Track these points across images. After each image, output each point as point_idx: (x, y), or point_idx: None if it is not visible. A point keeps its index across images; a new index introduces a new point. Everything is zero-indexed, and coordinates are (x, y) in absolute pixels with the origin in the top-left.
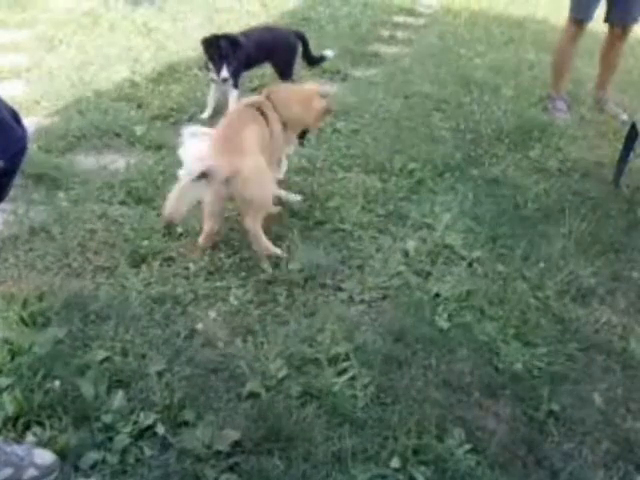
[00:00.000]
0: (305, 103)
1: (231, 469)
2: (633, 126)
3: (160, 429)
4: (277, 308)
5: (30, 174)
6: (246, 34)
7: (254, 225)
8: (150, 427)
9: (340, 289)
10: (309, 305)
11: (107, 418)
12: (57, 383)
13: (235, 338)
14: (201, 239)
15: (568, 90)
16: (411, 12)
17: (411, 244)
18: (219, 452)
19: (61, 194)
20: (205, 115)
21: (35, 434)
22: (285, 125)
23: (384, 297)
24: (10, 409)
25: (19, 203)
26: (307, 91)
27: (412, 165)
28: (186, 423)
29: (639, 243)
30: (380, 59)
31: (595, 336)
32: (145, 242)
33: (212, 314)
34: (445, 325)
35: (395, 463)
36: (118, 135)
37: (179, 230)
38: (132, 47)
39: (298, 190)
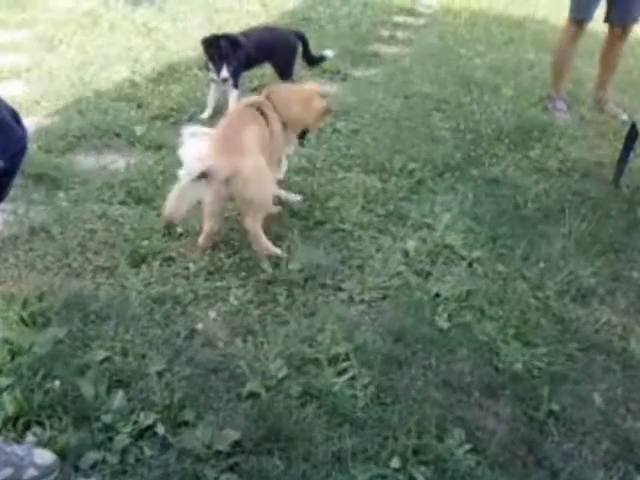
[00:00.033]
0: (305, 103)
1: (231, 469)
2: (633, 126)
3: (160, 429)
4: (277, 308)
5: (30, 174)
6: (246, 34)
7: (254, 225)
8: (150, 427)
9: (340, 289)
10: (309, 305)
11: (107, 418)
12: (57, 383)
13: (235, 338)
14: (201, 239)
15: (568, 90)
16: (411, 12)
17: (411, 244)
18: (219, 452)
19: (61, 194)
20: (205, 115)
21: (35, 434)
22: (285, 125)
23: (384, 297)
24: (10, 409)
25: (19, 203)
26: (307, 91)
27: (412, 165)
28: (186, 423)
29: (639, 243)
30: (380, 59)
31: (595, 336)
32: (145, 242)
33: (212, 314)
34: (445, 325)
35: (395, 463)
36: (118, 135)
37: (179, 230)
38: (132, 47)
39: (298, 190)
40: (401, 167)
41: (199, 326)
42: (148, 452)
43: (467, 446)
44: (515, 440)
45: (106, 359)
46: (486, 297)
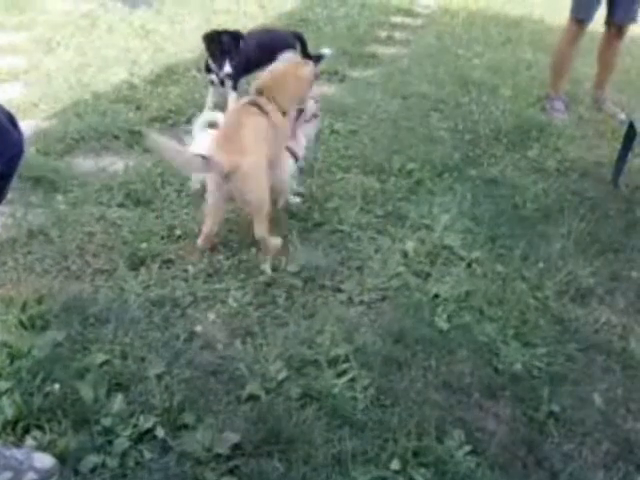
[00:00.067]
0: (293, 76)
1: (231, 472)
2: (631, 125)
3: (160, 432)
4: (276, 310)
5: (28, 177)
6: (245, 37)
7: (263, 232)
8: (150, 430)
9: (339, 290)
10: (308, 307)
11: (107, 421)
12: (56, 386)
13: (234, 340)
14: (200, 241)
15: (566, 90)
16: (409, 13)
17: (410, 245)
18: (219, 455)
19: (59, 197)
20: None
21: (34, 438)
22: (284, 113)
23: (383, 298)
24: (9, 413)
25: (17, 206)
26: (288, 66)
27: (410, 165)
28: (186, 426)
29: (638, 243)
30: (378, 60)
31: (595, 336)
32: (144, 244)
33: (211, 316)
34: (444, 326)
35: (395, 465)
36: (116, 137)
37: (178, 232)
38: (130, 49)
39: (296, 192)
40: (399, 168)
41: (198, 328)
42: (148, 455)
43: (467, 447)
44: (515, 441)
45: (105, 362)
46: (485, 298)
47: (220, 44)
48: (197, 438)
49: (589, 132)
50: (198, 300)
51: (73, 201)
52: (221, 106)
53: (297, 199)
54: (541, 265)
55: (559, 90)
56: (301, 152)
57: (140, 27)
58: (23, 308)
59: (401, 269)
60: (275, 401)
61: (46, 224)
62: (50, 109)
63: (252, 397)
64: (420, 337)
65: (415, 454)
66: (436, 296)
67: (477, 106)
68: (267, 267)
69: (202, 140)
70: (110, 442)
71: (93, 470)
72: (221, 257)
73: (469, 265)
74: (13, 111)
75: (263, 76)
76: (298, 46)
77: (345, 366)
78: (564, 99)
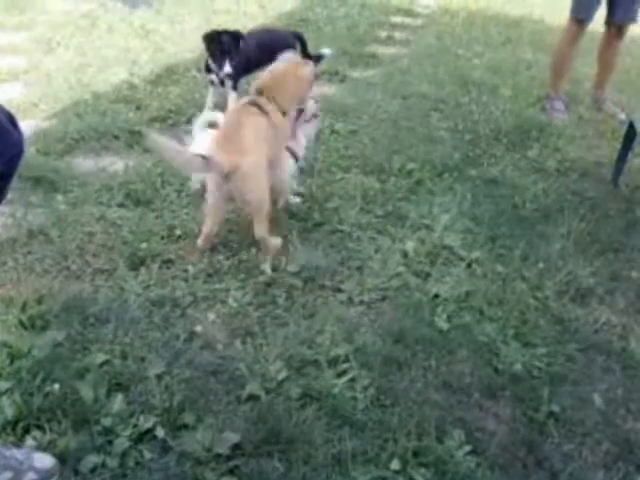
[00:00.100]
0: (293, 76)
1: (231, 472)
2: (631, 125)
3: (160, 432)
4: (276, 310)
5: (28, 177)
6: (245, 37)
7: (263, 233)
8: (150, 430)
9: (339, 290)
10: (308, 307)
11: (107, 421)
12: (56, 386)
13: (234, 340)
14: (200, 241)
15: (566, 90)
16: (409, 13)
17: (410, 245)
18: (219, 455)
19: (59, 197)
20: None
21: (34, 438)
22: (284, 113)
23: (383, 298)
24: (9, 413)
25: (17, 206)
26: (288, 66)
27: (410, 165)
28: (186, 426)
29: (638, 242)
30: (378, 60)
31: (594, 336)
32: (144, 244)
33: (211, 316)
34: (444, 326)
35: (395, 465)
36: (116, 137)
37: (178, 232)
38: (130, 49)
39: (297, 192)
40: (399, 168)
41: (198, 328)
42: (148, 455)
43: (467, 447)
44: (515, 441)
45: (105, 362)
46: (485, 298)
47: (220, 44)
48: (197, 438)
49: (589, 132)
50: (198, 300)
51: (73, 201)
52: (221, 106)
53: (297, 199)
54: (541, 265)
55: (559, 90)
56: (301, 152)
57: (140, 27)
58: (23, 308)
59: (401, 269)
60: (275, 401)
61: (46, 224)
62: (50, 109)
63: (252, 397)
64: (420, 337)
65: (415, 454)
66: (436, 296)
67: (477, 106)
68: (267, 267)
69: (202, 140)
70: (110, 442)
71: (93, 470)
72: (221, 257)
73: (469, 265)
74: (13, 111)
75: (263, 76)
76: (298, 46)
77: (345, 366)
78: (564, 99)
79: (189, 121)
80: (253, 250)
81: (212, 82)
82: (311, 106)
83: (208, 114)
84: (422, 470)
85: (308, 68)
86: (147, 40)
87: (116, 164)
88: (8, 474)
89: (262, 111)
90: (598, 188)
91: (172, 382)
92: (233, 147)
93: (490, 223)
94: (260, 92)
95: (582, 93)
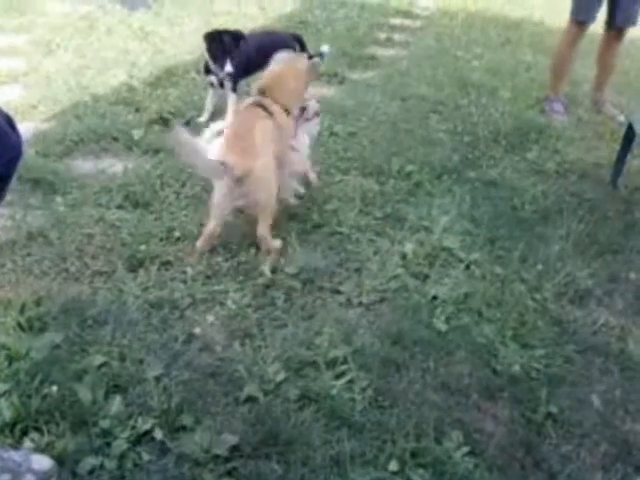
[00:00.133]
0: (293, 73)
1: (229, 473)
2: (630, 127)
3: (158, 434)
4: (275, 311)
5: (27, 179)
6: (245, 39)
7: (266, 231)
8: (148, 432)
9: (338, 292)
10: (307, 308)
11: (105, 423)
12: (54, 388)
13: (233, 342)
14: (199, 242)
15: (565, 92)
16: (408, 14)
17: (409, 247)
18: (217, 456)
19: (58, 199)
20: (203, 119)
21: (33, 440)
22: (288, 112)
23: (382, 300)
24: (7, 415)
25: (16, 208)
26: (285, 64)
27: (409, 168)
28: (184, 428)
29: (637, 244)
30: (377, 62)
31: (593, 338)
32: (142, 246)
33: (210, 318)
34: (443, 327)
35: (393, 466)
36: (116, 139)
37: (176, 234)
38: (129, 51)
39: (295, 193)
40: (398, 170)
41: (197, 330)
42: (146, 457)
43: (465, 449)
44: (513, 442)
45: (104, 364)
46: (484, 299)
47: (221, 44)
48: (195, 440)
49: (588, 134)
50: (197, 302)
51: (72, 203)
52: (221, 108)
53: (296, 201)
54: (540, 267)
55: (558, 92)
56: (304, 151)
57: (139, 29)
58: (21, 310)
59: (400, 271)
60: (273, 403)
61: (45, 226)
62: (49, 111)
63: (250, 399)
64: (418, 339)
65: (413, 455)
66: (435, 298)
67: (476, 108)
68: (266, 269)
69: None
70: (108, 444)
71: (91, 472)
72: (220, 259)
73: (468, 267)
74: (12, 113)
75: (264, 76)
76: (297, 48)
77: (343, 367)
78: (563, 101)
79: (188, 123)
80: (252, 252)
81: (212, 84)
82: (313, 104)
83: (219, 124)
84: (420, 471)
85: (304, 61)
86: (146, 42)
87: (115, 166)
88: (6, 476)
89: (267, 112)
90: (597, 190)
91: (170, 384)
92: (243, 150)
93: (489, 225)
94: (262, 92)
95: (581, 95)
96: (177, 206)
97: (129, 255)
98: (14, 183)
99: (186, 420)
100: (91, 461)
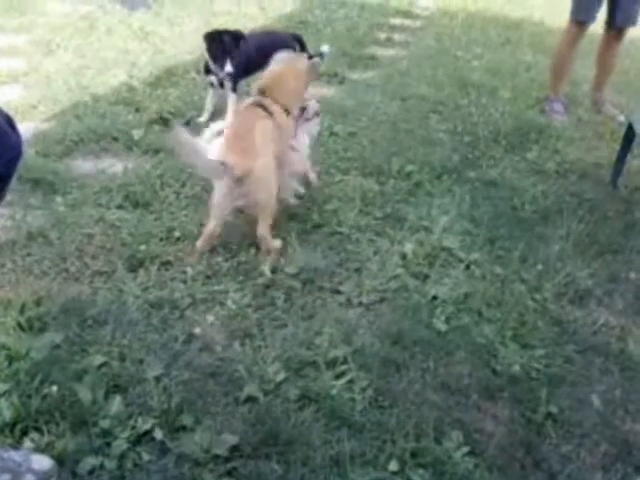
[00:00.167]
0: (293, 73)
1: (229, 474)
2: (630, 127)
3: (158, 434)
4: (275, 311)
5: (27, 179)
6: (245, 39)
7: (266, 231)
8: (148, 432)
9: (338, 292)
10: (307, 308)
11: (105, 423)
12: (54, 388)
13: (233, 342)
14: (199, 242)
15: (565, 92)
16: (408, 14)
17: (409, 247)
18: (217, 456)
19: (58, 199)
20: (203, 119)
21: (33, 440)
22: (288, 112)
23: (382, 300)
24: (7, 415)
25: (16, 208)
26: (285, 64)
27: (409, 168)
28: (184, 428)
29: (637, 244)
30: (377, 62)
31: (593, 338)
32: (142, 246)
33: (210, 318)
34: (443, 328)
35: (393, 466)
36: (116, 139)
37: (176, 234)
38: (129, 51)
39: (295, 193)
40: (398, 170)
41: (197, 330)
42: (146, 457)
43: (465, 449)
44: (513, 442)
45: (104, 364)
46: (484, 299)
47: (221, 43)
48: (195, 440)
49: (588, 134)
50: (197, 302)
51: (72, 203)
52: (221, 108)
53: (296, 201)
54: (540, 267)
55: (558, 92)
56: (303, 150)
57: (139, 29)
58: (21, 310)
59: (400, 271)
60: (273, 403)
61: (45, 226)
62: (49, 111)
63: (250, 399)
64: (418, 339)
65: (413, 455)
66: (434, 298)
67: (476, 108)
68: (266, 269)
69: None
70: (108, 444)
71: (91, 472)
72: (220, 259)
73: (468, 267)
74: (12, 113)
75: (264, 76)
76: (297, 48)
77: (343, 367)
78: (563, 101)
79: (188, 123)
80: (252, 252)
81: (211, 84)
82: (313, 104)
83: (219, 124)
84: (420, 471)
85: (304, 61)
86: (146, 42)
87: (115, 166)
88: (6, 476)
89: (267, 112)
90: (597, 190)
91: (170, 384)
92: (244, 150)
93: (489, 225)
94: (262, 92)
95: (581, 95)
96: (177, 206)
97: (129, 255)
98: (14, 183)
99: (186, 420)
100: (91, 461)
